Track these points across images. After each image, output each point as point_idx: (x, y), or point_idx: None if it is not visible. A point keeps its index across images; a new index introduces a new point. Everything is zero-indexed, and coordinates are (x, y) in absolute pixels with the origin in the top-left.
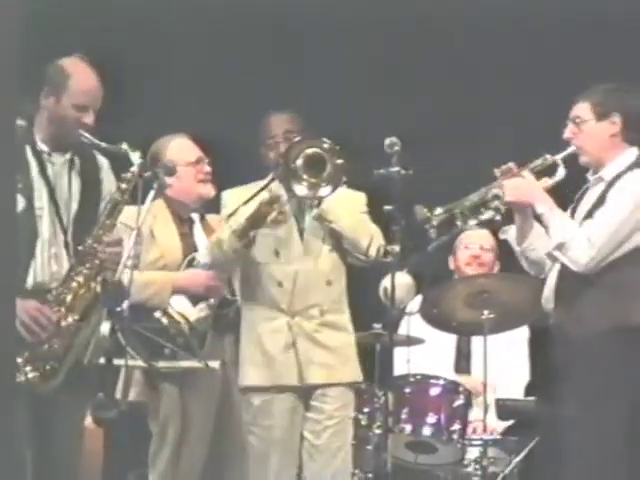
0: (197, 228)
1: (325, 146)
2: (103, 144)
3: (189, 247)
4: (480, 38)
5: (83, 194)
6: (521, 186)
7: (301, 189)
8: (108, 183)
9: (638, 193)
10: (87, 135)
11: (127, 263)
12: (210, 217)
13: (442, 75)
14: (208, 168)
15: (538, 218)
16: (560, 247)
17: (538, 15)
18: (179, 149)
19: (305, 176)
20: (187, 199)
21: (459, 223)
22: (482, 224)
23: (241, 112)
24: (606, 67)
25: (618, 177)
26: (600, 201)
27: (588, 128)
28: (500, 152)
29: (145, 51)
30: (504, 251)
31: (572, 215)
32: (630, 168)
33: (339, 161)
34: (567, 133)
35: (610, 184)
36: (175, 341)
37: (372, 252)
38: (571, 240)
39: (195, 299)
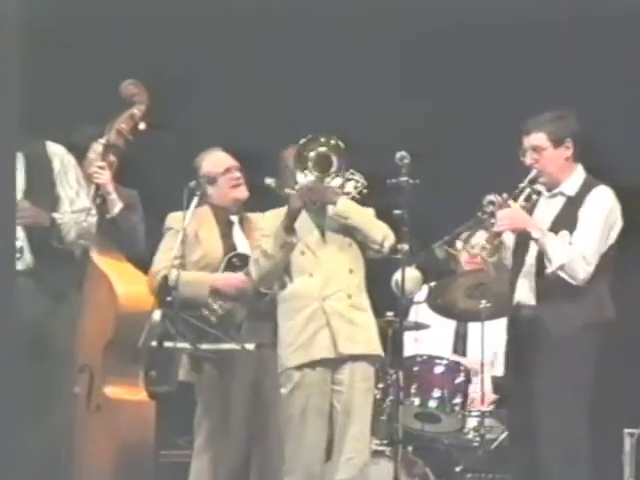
0: (236, 229)
1: (332, 142)
2: None
3: (229, 247)
4: (483, 41)
5: (29, 181)
6: (513, 216)
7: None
8: (59, 166)
9: (606, 209)
10: None
11: (175, 263)
12: (251, 215)
13: (448, 82)
14: (238, 174)
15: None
16: (562, 268)
17: (546, 22)
18: (212, 161)
19: (315, 172)
20: (225, 203)
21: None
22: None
23: (258, 119)
24: (606, 74)
25: (582, 193)
26: (566, 215)
27: (548, 154)
28: (501, 156)
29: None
30: None
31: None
32: (589, 185)
33: (343, 155)
34: (528, 160)
35: (573, 200)
36: (217, 327)
37: (386, 244)
38: (571, 261)
39: (227, 297)
